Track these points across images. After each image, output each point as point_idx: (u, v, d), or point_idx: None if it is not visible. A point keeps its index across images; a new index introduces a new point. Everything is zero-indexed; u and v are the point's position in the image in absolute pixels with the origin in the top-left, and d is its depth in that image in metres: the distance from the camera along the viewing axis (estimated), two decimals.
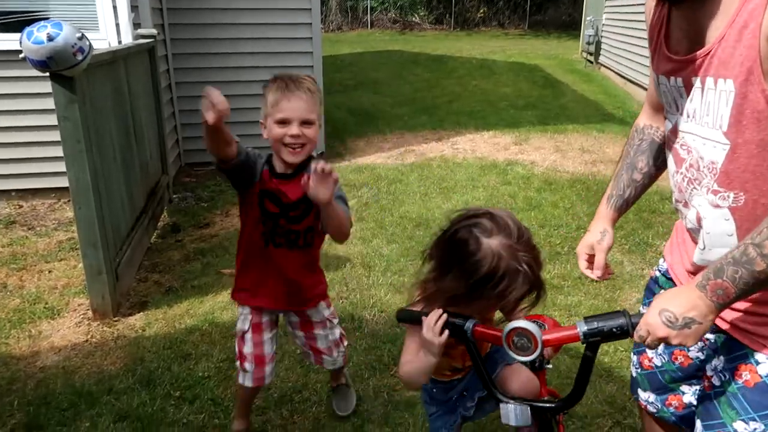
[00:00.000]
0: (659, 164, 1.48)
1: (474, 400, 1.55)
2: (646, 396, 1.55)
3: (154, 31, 4.60)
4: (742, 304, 1.19)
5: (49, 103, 2.80)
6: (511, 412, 1.22)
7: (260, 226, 1.84)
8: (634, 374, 1.60)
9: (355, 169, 5.66)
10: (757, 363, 1.18)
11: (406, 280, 3.44)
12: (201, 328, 2.94)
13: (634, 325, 1.12)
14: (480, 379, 1.25)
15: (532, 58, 13.24)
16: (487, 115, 8.03)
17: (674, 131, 1.25)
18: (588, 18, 12.19)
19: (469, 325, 1.21)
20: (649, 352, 1.51)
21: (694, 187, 1.20)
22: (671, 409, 1.50)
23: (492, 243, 1.21)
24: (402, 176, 5.39)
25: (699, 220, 1.21)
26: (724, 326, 1.24)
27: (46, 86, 2.73)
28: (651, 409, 1.55)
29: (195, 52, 5.50)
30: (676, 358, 1.45)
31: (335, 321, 2.06)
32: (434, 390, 1.59)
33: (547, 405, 1.24)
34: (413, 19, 22.26)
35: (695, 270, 1.27)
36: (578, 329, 1.15)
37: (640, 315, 1.13)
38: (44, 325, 2.98)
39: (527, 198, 4.75)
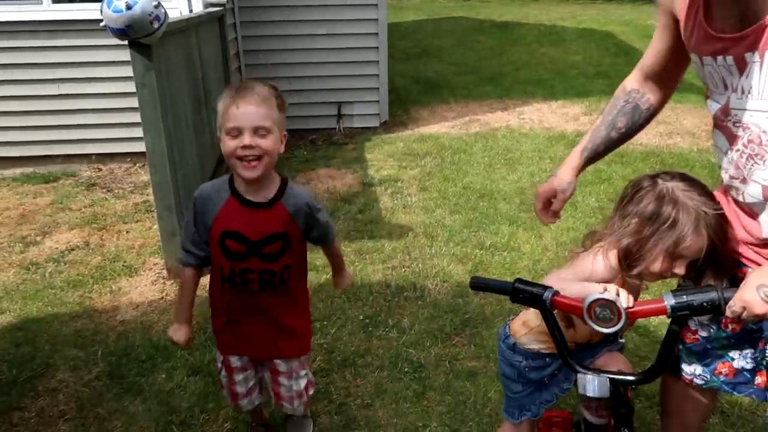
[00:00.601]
0: (636, 128, 1.54)
1: (571, 382, 1.50)
2: (691, 369, 1.50)
3: None
4: None
5: (127, 71, 2.90)
6: (590, 383, 1.18)
7: (224, 272, 1.66)
8: (675, 351, 1.54)
9: (418, 138, 5.61)
10: None
11: (469, 251, 3.40)
12: None
13: (726, 300, 1.08)
14: (557, 349, 1.22)
15: (604, 24, 12.58)
16: (556, 84, 7.74)
17: (724, 110, 1.23)
18: None
19: (548, 294, 1.17)
20: (692, 325, 1.47)
21: (755, 162, 1.19)
22: (721, 377, 1.46)
23: (668, 185, 1.24)
24: (466, 146, 5.29)
25: (766, 194, 1.17)
26: None
27: (125, 54, 2.82)
28: (698, 381, 1.50)
29: (262, 20, 5.56)
30: (726, 326, 1.40)
31: (302, 372, 1.86)
32: (527, 369, 1.55)
33: (628, 378, 1.20)
34: None
35: (760, 243, 1.26)
36: (665, 302, 1.10)
37: (733, 290, 1.08)
38: (123, 282, 3.15)
39: (597, 171, 4.55)
